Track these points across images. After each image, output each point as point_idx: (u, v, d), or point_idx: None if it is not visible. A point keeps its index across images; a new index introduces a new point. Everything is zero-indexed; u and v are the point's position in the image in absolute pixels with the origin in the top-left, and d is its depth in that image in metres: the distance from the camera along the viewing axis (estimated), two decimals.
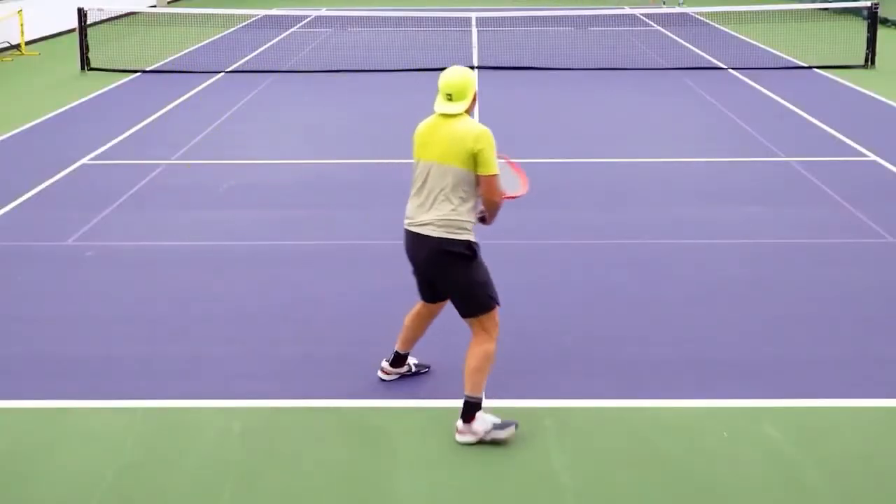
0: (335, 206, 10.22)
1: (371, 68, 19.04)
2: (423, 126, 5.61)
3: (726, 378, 6.32)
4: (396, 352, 6.19)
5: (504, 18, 24.39)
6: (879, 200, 10.14)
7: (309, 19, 26.86)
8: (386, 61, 19.65)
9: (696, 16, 26.31)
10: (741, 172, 11.57)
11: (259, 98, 16.39)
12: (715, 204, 10.15)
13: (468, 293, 5.54)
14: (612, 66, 19.06)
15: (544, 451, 5.44)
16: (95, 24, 21.35)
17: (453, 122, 5.47)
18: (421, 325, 6.10)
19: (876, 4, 19.27)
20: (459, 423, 5.50)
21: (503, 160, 5.82)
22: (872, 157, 11.96)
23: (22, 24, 21.94)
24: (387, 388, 6.19)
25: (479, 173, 5.43)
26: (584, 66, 19.03)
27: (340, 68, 19.04)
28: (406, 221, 5.61)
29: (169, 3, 34.08)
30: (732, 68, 18.81)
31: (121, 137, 13.39)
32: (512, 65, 19.11)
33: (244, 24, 25.95)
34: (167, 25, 24.44)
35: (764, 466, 5.28)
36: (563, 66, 18.95)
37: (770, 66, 19.04)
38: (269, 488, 5.12)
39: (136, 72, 18.91)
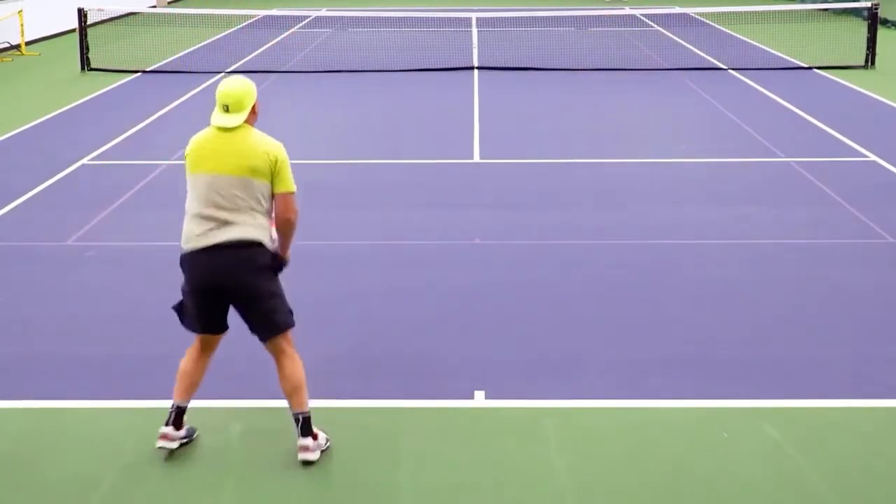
0: (334, 206, 10.20)
1: (371, 68, 19.03)
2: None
3: (726, 378, 6.32)
4: None
5: (504, 18, 24.37)
6: (879, 200, 10.14)
7: (309, 19, 26.85)
8: (386, 61, 19.64)
9: (696, 16, 26.30)
10: (741, 172, 11.57)
11: (259, 98, 16.33)
12: (715, 204, 10.15)
13: None
14: (613, 67, 19.05)
15: (544, 451, 5.44)
16: (95, 24, 21.35)
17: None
18: None
19: (876, 5, 19.26)
20: (309, 440, 5.27)
21: None
22: (872, 157, 11.96)
23: (22, 24, 21.94)
24: (386, 388, 6.20)
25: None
26: (585, 67, 19.02)
27: (340, 69, 19.03)
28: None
29: (169, 3, 34.07)
30: (732, 68, 18.81)
31: (121, 137, 13.38)
32: (512, 65, 19.10)
33: (244, 24, 25.95)
34: (167, 26, 24.45)
35: (764, 467, 5.28)
36: (563, 67, 18.94)
37: (770, 67, 19.04)
38: (270, 488, 5.12)
39: (136, 72, 18.91)
